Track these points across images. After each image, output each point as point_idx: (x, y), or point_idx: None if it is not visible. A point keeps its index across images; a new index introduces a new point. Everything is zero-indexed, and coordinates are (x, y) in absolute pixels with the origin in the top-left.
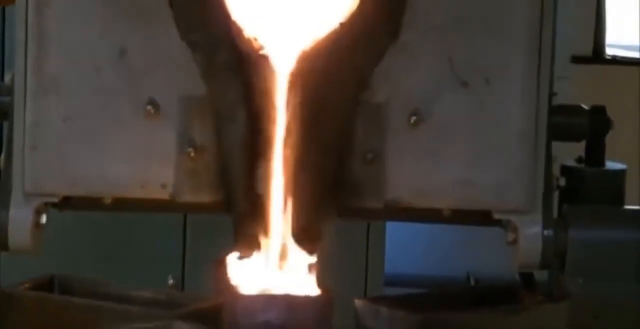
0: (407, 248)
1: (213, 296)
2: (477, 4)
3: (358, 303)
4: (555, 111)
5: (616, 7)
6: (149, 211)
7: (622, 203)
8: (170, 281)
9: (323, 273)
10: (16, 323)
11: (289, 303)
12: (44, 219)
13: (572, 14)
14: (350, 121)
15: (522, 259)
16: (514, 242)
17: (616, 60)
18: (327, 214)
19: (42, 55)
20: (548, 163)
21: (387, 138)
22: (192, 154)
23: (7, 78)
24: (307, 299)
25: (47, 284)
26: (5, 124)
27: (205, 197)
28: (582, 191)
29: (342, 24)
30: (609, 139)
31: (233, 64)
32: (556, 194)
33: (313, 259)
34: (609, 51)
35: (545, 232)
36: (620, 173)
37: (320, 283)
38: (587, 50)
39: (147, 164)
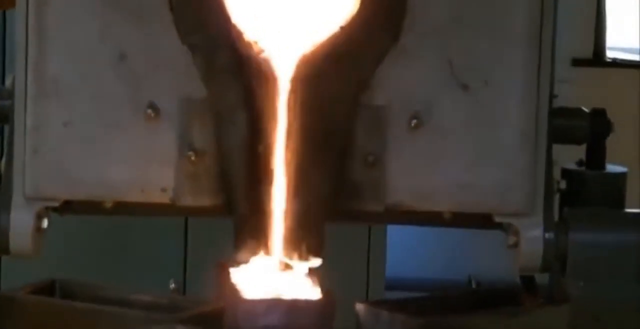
0: (408, 252)
1: (214, 300)
2: (477, 7)
3: (359, 306)
4: (556, 113)
5: (616, 9)
6: (150, 215)
7: (623, 206)
8: (172, 285)
9: (324, 276)
10: (17, 327)
11: (291, 307)
12: (45, 223)
13: (572, 16)
14: (350, 124)
15: (523, 262)
16: (515, 245)
17: (617, 63)
18: (328, 217)
19: (42, 59)
20: (549, 166)
21: (387, 141)
22: (192, 157)
23: (7, 82)
24: (308, 303)
25: (48, 288)
26: (6, 128)
27: (205, 201)
28: (583, 194)
29: (342, 27)
30: (610, 142)
31: (233, 67)
32: (557, 197)
33: (314, 262)
34: (610, 54)
35: (546, 235)
36: (621, 176)
37: (321, 287)
38: (588, 53)
39: (147, 167)
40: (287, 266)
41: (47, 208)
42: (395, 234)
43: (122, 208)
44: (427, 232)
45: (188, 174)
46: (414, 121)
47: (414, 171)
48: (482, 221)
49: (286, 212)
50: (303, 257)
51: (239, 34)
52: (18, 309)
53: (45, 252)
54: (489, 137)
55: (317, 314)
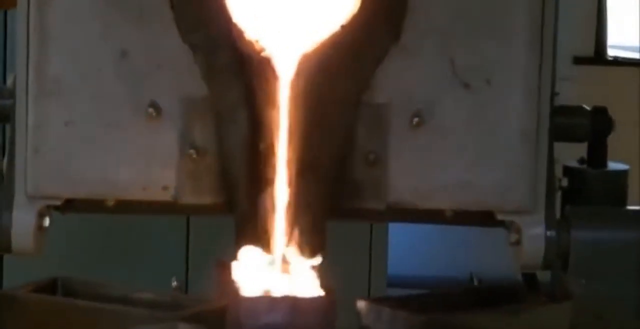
0: (410, 249)
1: (216, 298)
2: (478, 6)
3: (361, 303)
4: (557, 111)
5: (617, 8)
6: (151, 213)
7: (625, 204)
8: (174, 283)
9: (326, 274)
10: (19, 325)
11: (293, 304)
12: (46, 221)
13: (573, 15)
14: (351, 123)
15: (524, 259)
16: (517, 243)
17: (618, 61)
18: (329, 215)
19: (43, 58)
20: (550, 164)
21: (389, 139)
22: (193, 155)
23: (9, 81)
24: (310, 300)
25: (50, 287)
26: (8, 127)
27: (207, 199)
28: (585, 192)
29: (343, 26)
30: (611, 139)
31: (234, 66)
32: (559, 195)
33: (316, 260)
34: (611, 52)
35: (548, 232)
36: (623, 174)
37: (323, 284)
38: (589, 51)
39: (148, 166)
40: (289, 264)
41: (48, 207)
42: (397, 231)
43: (124, 206)
44: (429, 230)
45: (189, 172)
46: (416, 119)
47: (415, 169)
48: (484, 218)
49: (287, 210)
50: (304, 255)
51: (240, 33)
52: (20, 308)
53: (47, 250)
54: (491, 135)
55: (319, 312)
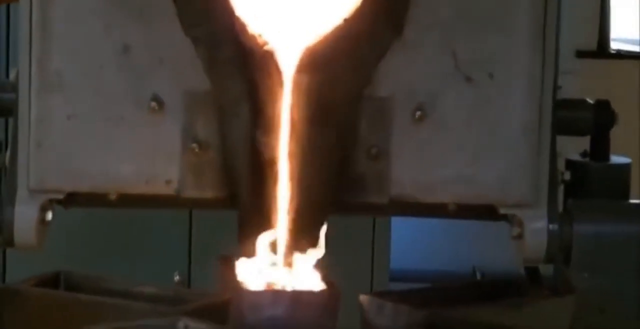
0: (412, 243)
1: (219, 293)
2: None
3: (363, 298)
4: (560, 105)
5: (620, 1)
6: (154, 207)
7: (627, 197)
8: (176, 278)
9: (329, 268)
10: (22, 319)
11: (295, 298)
12: (49, 216)
13: (576, 8)
14: (354, 116)
15: (527, 253)
16: (519, 236)
17: (621, 55)
18: (332, 209)
19: (46, 52)
20: (553, 157)
21: (391, 133)
22: (196, 149)
23: (11, 75)
24: (313, 294)
25: (52, 281)
26: (10, 121)
27: (209, 193)
28: (587, 186)
29: (346, 20)
30: (614, 133)
31: (237, 60)
32: (561, 189)
33: (318, 254)
34: (614, 45)
35: (551, 226)
36: (625, 167)
37: (325, 278)
38: (592, 44)
39: (151, 160)
40: (291, 258)
41: (51, 201)
42: (400, 225)
43: (127, 200)
44: (432, 224)
45: (192, 166)
46: (418, 113)
47: (417, 163)
48: (487, 212)
49: (290, 204)
50: (307, 249)
51: (243, 27)
52: (22, 302)
53: (49, 245)
54: (493, 129)
55: (322, 306)
